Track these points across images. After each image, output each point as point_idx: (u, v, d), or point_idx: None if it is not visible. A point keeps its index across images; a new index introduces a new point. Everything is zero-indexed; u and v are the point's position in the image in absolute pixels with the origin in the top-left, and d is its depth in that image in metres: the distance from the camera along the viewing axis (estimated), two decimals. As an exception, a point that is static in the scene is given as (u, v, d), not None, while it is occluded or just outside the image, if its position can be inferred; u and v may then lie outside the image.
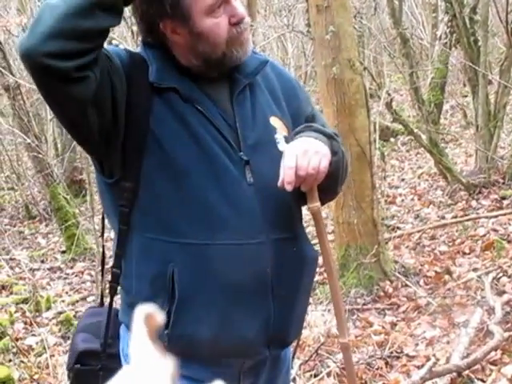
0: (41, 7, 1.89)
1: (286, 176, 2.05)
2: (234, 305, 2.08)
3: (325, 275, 6.14)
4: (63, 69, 1.86)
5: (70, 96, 1.91)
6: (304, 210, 2.28)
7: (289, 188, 2.06)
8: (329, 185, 2.18)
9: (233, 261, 2.07)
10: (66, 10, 1.84)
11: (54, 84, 1.90)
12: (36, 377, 5.10)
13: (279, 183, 2.08)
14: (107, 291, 2.29)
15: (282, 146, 2.16)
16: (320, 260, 2.31)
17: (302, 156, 2.06)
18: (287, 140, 2.18)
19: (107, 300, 2.30)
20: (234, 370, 2.19)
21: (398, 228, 7.54)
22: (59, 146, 12.38)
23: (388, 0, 9.49)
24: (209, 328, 2.08)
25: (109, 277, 2.26)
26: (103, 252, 2.34)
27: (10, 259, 8.43)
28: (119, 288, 2.22)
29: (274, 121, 2.22)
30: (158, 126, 2.08)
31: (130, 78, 2.07)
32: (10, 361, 5.43)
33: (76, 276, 7.92)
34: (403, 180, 9.80)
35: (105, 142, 2.04)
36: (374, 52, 12.48)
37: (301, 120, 2.29)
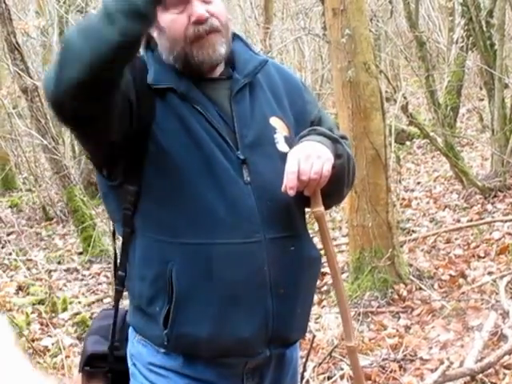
0: (64, 46, 1.91)
1: (288, 181, 2.06)
2: (231, 304, 2.09)
3: (339, 278, 6.16)
4: (90, 111, 1.92)
5: (96, 130, 1.98)
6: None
7: (291, 193, 2.07)
8: (333, 189, 2.19)
9: (230, 260, 2.07)
10: (91, 60, 1.84)
11: (81, 123, 1.97)
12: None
13: (283, 188, 2.09)
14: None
15: (281, 145, 2.18)
16: (326, 264, 2.30)
17: (304, 160, 2.07)
18: (287, 140, 2.20)
19: (121, 301, 2.33)
20: (237, 370, 2.20)
21: (413, 231, 7.53)
22: (76, 147, 12.43)
23: (405, 3, 9.48)
24: (206, 327, 2.09)
25: None
26: (115, 254, 2.34)
27: (27, 260, 8.47)
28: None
29: (274, 121, 2.22)
30: (158, 128, 2.09)
31: (136, 86, 2.09)
32: (26, 361, 5.45)
33: (92, 277, 7.96)
34: (419, 183, 9.78)
35: (117, 154, 2.08)
36: (390, 55, 12.45)
37: (305, 121, 2.29)
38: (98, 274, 8.05)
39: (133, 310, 2.23)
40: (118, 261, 2.23)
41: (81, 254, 8.78)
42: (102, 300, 7.08)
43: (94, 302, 7.01)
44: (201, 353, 2.14)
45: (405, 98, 7.86)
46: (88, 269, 8.26)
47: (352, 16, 5.56)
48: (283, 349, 2.25)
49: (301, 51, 13.17)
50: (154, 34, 2.18)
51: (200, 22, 2.11)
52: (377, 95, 5.69)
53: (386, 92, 7.89)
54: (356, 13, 5.59)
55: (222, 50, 2.17)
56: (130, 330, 2.27)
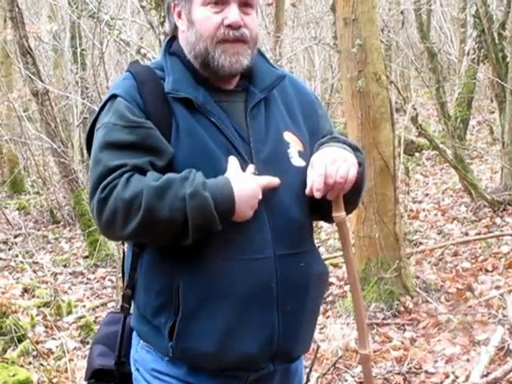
0: (135, 202, 1.99)
1: (316, 183, 2.06)
2: (237, 319, 2.08)
3: (344, 289, 6.14)
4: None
5: None
6: (321, 223, 2.28)
7: (318, 195, 2.07)
8: (353, 195, 2.19)
9: (237, 276, 2.07)
10: (163, 225, 1.99)
11: None
12: (55, 380, 5.12)
13: (307, 190, 2.09)
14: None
15: (295, 160, 2.17)
16: (332, 275, 2.29)
17: (330, 164, 2.07)
18: (301, 154, 2.19)
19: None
20: (241, 381, 2.19)
21: (421, 243, 7.50)
22: (85, 152, 12.44)
23: (416, 14, 9.47)
24: (212, 342, 2.08)
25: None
26: (123, 258, 2.34)
27: (34, 263, 8.47)
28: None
29: (288, 135, 2.21)
30: (173, 140, 2.10)
31: (148, 112, 2.11)
32: (30, 363, 5.45)
33: (97, 281, 7.95)
34: (427, 195, 9.75)
35: None
36: (401, 66, 12.44)
37: (318, 136, 2.28)
38: (103, 278, 8.04)
39: (137, 317, 2.23)
40: (126, 278, 2.24)
41: (86, 257, 8.79)
42: (106, 304, 7.07)
43: (98, 306, 7.01)
44: (205, 365, 2.13)
45: (415, 109, 7.84)
46: (93, 273, 8.26)
47: (363, 26, 5.56)
48: (287, 364, 2.25)
49: (311, 60, 13.18)
50: (183, 26, 2.19)
51: (233, 27, 2.12)
52: (387, 106, 5.67)
53: (396, 103, 7.88)
54: (367, 23, 5.58)
55: (246, 61, 2.17)
56: (134, 334, 2.27)
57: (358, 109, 5.61)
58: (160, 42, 7.02)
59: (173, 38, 2.28)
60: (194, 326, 2.08)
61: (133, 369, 2.26)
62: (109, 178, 2.01)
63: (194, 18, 2.15)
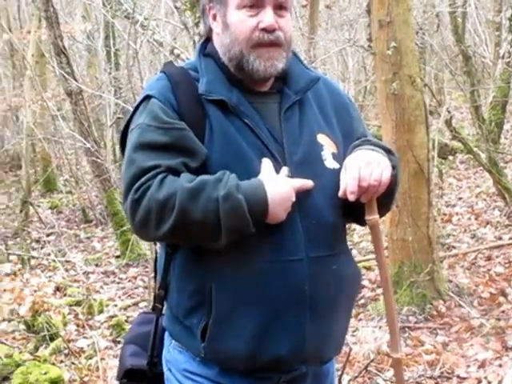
0: (168, 204, 1.99)
1: (349, 186, 2.05)
2: (270, 321, 2.07)
3: (377, 292, 6.10)
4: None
5: None
6: (354, 225, 2.26)
7: (352, 198, 2.06)
8: (387, 198, 2.18)
9: (270, 278, 2.06)
10: (196, 227, 1.99)
11: None
12: (86, 379, 5.14)
13: (340, 193, 2.09)
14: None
15: (329, 162, 2.16)
16: (364, 277, 2.28)
17: (364, 167, 2.06)
18: (335, 157, 2.18)
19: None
20: (272, 382, 2.18)
21: (454, 247, 7.44)
22: (117, 151, 12.50)
23: (451, 17, 9.40)
24: (244, 344, 2.08)
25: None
26: (156, 258, 2.34)
27: (66, 261, 8.53)
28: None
29: (322, 138, 2.20)
30: (207, 141, 2.09)
31: (182, 113, 2.11)
32: (62, 362, 5.48)
33: (129, 281, 7.98)
34: (460, 199, 9.67)
35: None
36: (435, 69, 12.36)
37: (352, 138, 2.27)
38: (135, 278, 8.07)
39: (170, 318, 2.23)
40: (159, 278, 2.24)
41: (118, 257, 8.83)
42: (137, 304, 7.09)
43: (129, 306, 7.03)
44: (237, 366, 2.13)
45: (449, 112, 7.78)
46: (125, 272, 8.29)
47: (398, 28, 5.52)
48: (319, 365, 2.24)
49: (344, 62, 13.14)
50: (218, 28, 2.19)
51: (268, 30, 2.12)
52: (421, 108, 5.64)
53: (430, 106, 7.82)
54: (402, 25, 5.55)
55: (280, 65, 2.17)
56: (166, 334, 2.27)
57: (392, 111, 5.58)
58: (194, 42, 7.04)
59: (207, 39, 2.28)
60: (226, 327, 2.07)
61: (165, 369, 2.27)
62: (142, 179, 2.01)
63: (229, 21, 2.15)
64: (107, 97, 10.48)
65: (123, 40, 12.05)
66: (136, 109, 2.19)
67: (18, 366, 4.87)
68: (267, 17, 2.11)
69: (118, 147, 12.39)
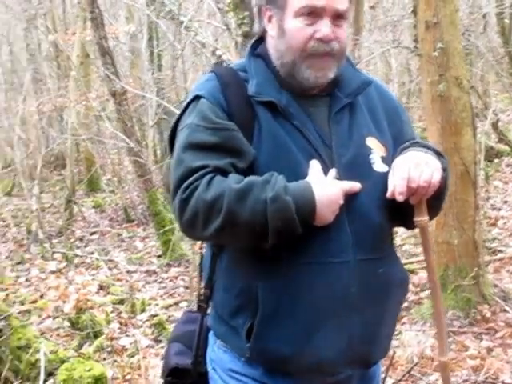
0: (216, 204, 1.99)
1: (398, 186, 2.04)
2: (316, 324, 2.07)
3: (420, 295, 6.05)
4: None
5: None
6: (399, 229, 2.24)
7: (400, 198, 2.04)
8: (436, 200, 2.16)
9: (317, 280, 2.06)
10: (244, 228, 1.99)
11: None
12: (128, 377, 5.17)
13: (388, 194, 2.07)
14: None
15: (377, 166, 2.16)
16: (411, 281, 2.26)
17: (414, 168, 2.04)
18: (384, 160, 2.17)
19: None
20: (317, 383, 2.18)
21: (499, 251, 7.34)
22: (158, 152, 12.58)
23: (498, 18, 9.30)
24: (290, 346, 2.07)
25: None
26: (201, 258, 2.36)
27: (109, 260, 8.59)
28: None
29: (371, 141, 2.19)
30: (255, 142, 2.10)
31: (231, 114, 2.12)
32: (104, 359, 5.52)
33: (170, 281, 8.01)
34: (506, 202, 9.54)
35: None
36: (481, 71, 12.23)
37: (402, 141, 2.25)
38: (176, 278, 8.10)
39: (215, 317, 2.24)
40: (204, 278, 2.26)
41: (160, 257, 8.87)
42: (178, 303, 7.12)
43: (171, 305, 7.06)
44: (282, 368, 2.13)
45: (495, 114, 7.70)
46: (166, 272, 8.33)
47: (445, 29, 5.47)
48: (365, 368, 2.24)
49: (388, 63, 13.05)
50: (273, 31, 2.19)
51: (324, 41, 2.11)
52: (468, 111, 5.57)
53: (476, 108, 7.74)
54: (449, 26, 5.49)
55: (331, 75, 2.17)
56: (211, 334, 2.28)
57: (438, 113, 5.53)
58: (236, 44, 7.05)
59: (259, 39, 2.28)
60: (271, 328, 2.07)
61: (209, 368, 2.28)
62: (191, 179, 2.02)
63: (286, 28, 2.14)
64: (151, 97, 10.53)
65: (166, 41, 12.13)
66: (185, 109, 2.20)
67: (63, 362, 4.91)
68: (324, 27, 2.10)
69: (158, 148, 12.48)
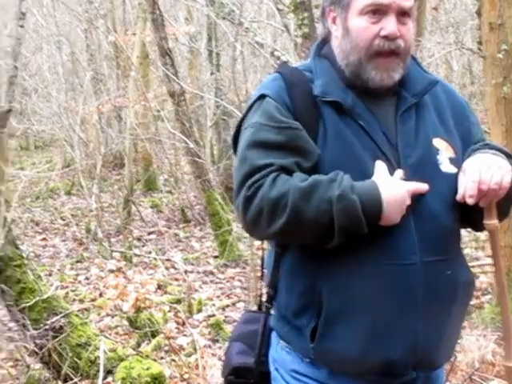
0: (281, 202, 2.00)
1: (469, 189, 2.03)
2: (381, 325, 2.06)
3: (481, 299, 5.97)
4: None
5: None
6: (464, 231, 2.21)
7: (471, 201, 2.03)
8: (506, 203, 2.14)
9: (383, 281, 2.04)
10: (309, 226, 1.99)
11: None
12: (186, 376, 5.19)
13: (458, 196, 2.06)
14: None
15: (445, 166, 2.14)
16: (477, 284, 2.24)
17: (485, 170, 2.03)
18: (452, 161, 2.15)
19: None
20: None
21: (563, 257, 7.18)
22: (215, 152, 12.63)
23: None
24: (354, 346, 2.06)
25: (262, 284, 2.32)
26: (262, 258, 2.38)
27: (166, 260, 8.65)
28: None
29: (438, 142, 2.17)
30: (320, 142, 2.09)
31: (297, 114, 2.12)
32: (162, 358, 5.55)
33: (227, 281, 8.03)
34: None
35: None
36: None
37: (470, 142, 2.24)
38: (232, 278, 8.12)
39: (278, 318, 2.24)
40: (268, 278, 2.26)
41: (216, 257, 8.90)
42: (235, 304, 7.13)
43: (228, 306, 7.08)
44: (346, 369, 2.12)
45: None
46: (223, 272, 8.35)
47: (510, 31, 5.38)
48: (429, 372, 2.21)
49: (449, 65, 12.90)
50: (337, 32, 2.19)
51: (389, 38, 2.10)
52: (533, 113, 5.47)
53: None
54: (514, 28, 5.40)
55: (397, 75, 2.16)
56: (274, 334, 2.28)
57: (502, 116, 5.44)
58: (295, 44, 7.05)
59: (323, 40, 2.28)
60: (336, 328, 2.07)
61: (272, 368, 2.28)
62: (255, 177, 2.03)
63: (350, 27, 2.13)
64: (210, 97, 10.58)
65: (224, 42, 12.18)
66: (250, 108, 2.21)
67: (122, 360, 4.96)
68: (390, 24, 2.09)
69: (216, 148, 12.53)
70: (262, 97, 2.18)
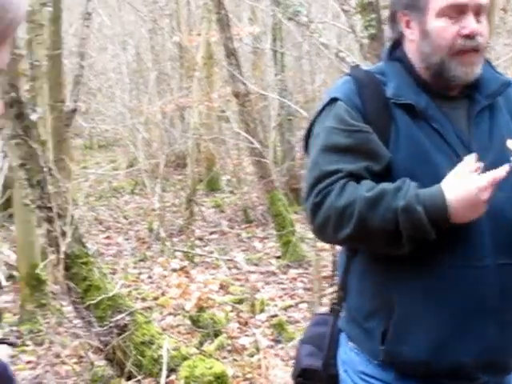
0: (348, 201, 2.01)
1: None
2: (453, 328, 2.04)
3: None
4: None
5: None
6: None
7: None
8: None
9: (455, 283, 2.03)
10: (375, 235, 2.01)
11: None
12: (248, 376, 5.20)
13: None
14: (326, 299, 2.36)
15: None
16: None
17: None
18: None
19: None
20: None
21: None
22: (278, 153, 12.61)
23: None
24: (425, 349, 2.06)
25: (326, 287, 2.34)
26: (334, 261, 2.38)
27: (228, 260, 8.67)
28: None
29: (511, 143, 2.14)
30: (392, 145, 2.09)
31: (368, 117, 2.12)
32: (224, 358, 5.57)
33: (290, 282, 8.01)
34: None
35: None
36: None
37: None
38: (295, 279, 8.10)
39: (347, 319, 2.25)
40: (339, 279, 2.27)
41: (279, 258, 8.88)
42: (297, 305, 7.11)
43: (290, 306, 7.06)
44: (415, 372, 2.12)
45: None
46: (285, 273, 8.33)
47: None
48: (501, 376, 2.18)
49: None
50: (413, 35, 2.18)
51: (470, 36, 2.10)
52: None
53: None
54: None
55: (478, 71, 2.16)
56: (343, 336, 2.29)
57: None
58: (361, 46, 6.98)
59: (395, 43, 2.27)
60: (407, 331, 2.07)
61: (341, 370, 2.29)
62: (324, 183, 2.05)
63: (430, 29, 2.13)
64: (276, 97, 10.58)
65: (289, 42, 12.16)
66: (321, 111, 2.22)
67: (185, 359, 4.99)
68: (470, 23, 2.09)
69: (279, 149, 12.52)
70: (332, 100, 2.19)
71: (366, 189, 2.01)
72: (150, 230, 10.18)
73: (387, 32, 2.40)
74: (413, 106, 2.12)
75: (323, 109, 2.22)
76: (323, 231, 2.09)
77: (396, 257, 2.05)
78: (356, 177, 2.06)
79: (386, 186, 2.02)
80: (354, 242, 2.09)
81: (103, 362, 5.16)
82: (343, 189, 2.03)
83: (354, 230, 2.00)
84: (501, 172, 1.99)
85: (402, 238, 1.98)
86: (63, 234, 4.77)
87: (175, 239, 9.92)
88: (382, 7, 6.28)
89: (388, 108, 2.13)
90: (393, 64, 2.24)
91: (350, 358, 2.24)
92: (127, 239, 10.39)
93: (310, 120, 2.29)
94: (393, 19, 2.26)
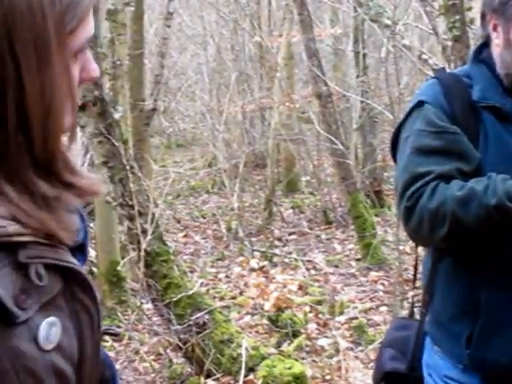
0: (440, 202, 2.00)
1: None
2: None
3: None
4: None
5: None
6: None
7: None
8: None
9: None
10: (470, 234, 2.00)
11: None
12: (327, 377, 5.16)
13: None
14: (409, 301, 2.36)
15: None
16: None
17: None
18: None
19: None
20: None
21: None
22: (360, 155, 12.51)
23: None
24: (510, 355, 2.04)
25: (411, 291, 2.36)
26: (416, 265, 2.41)
27: (307, 261, 8.64)
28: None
29: None
30: (481, 146, 2.09)
31: (455, 119, 2.12)
32: (303, 358, 5.54)
33: (370, 284, 7.93)
34: None
35: None
36: None
37: None
38: (375, 282, 8.02)
39: (432, 322, 2.24)
40: (424, 283, 2.26)
41: (359, 260, 8.81)
42: (378, 307, 7.04)
43: (371, 309, 6.99)
44: (501, 377, 2.09)
45: None
46: (365, 275, 8.25)
47: None
48: None
49: None
50: (498, 40, 2.16)
51: None
52: None
53: None
54: None
55: None
56: (427, 339, 2.28)
57: None
58: (444, 48, 6.85)
59: (482, 45, 2.26)
60: (493, 336, 2.04)
61: (425, 374, 2.27)
62: (415, 186, 2.05)
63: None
64: (359, 98, 10.50)
65: (370, 44, 12.05)
66: (408, 114, 2.22)
67: (263, 358, 4.98)
68: None
69: (360, 151, 12.42)
70: (419, 103, 2.19)
71: (456, 189, 2.00)
72: (229, 229, 10.21)
73: (478, 30, 2.36)
74: (499, 109, 2.12)
75: (411, 112, 2.22)
76: (418, 234, 2.09)
77: (482, 261, 2.04)
78: (447, 178, 2.05)
79: (474, 184, 2.00)
80: (450, 242, 2.07)
81: (182, 360, 5.19)
82: (434, 191, 2.02)
83: (450, 230, 1.99)
84: None
85: (497, 236, 1.98)
86: (144, 231, 4.80)
87: (253, 239, 9.93)
88: (465, 9, 6.15)
89: (475, 110, 2.13)
90: (479, 66, 2.22)
91: (434, 361, 2.23)
92: (205, 238, 10.44)
93: (397, 124, 2.31)
94: (483, 19, 2.23)
